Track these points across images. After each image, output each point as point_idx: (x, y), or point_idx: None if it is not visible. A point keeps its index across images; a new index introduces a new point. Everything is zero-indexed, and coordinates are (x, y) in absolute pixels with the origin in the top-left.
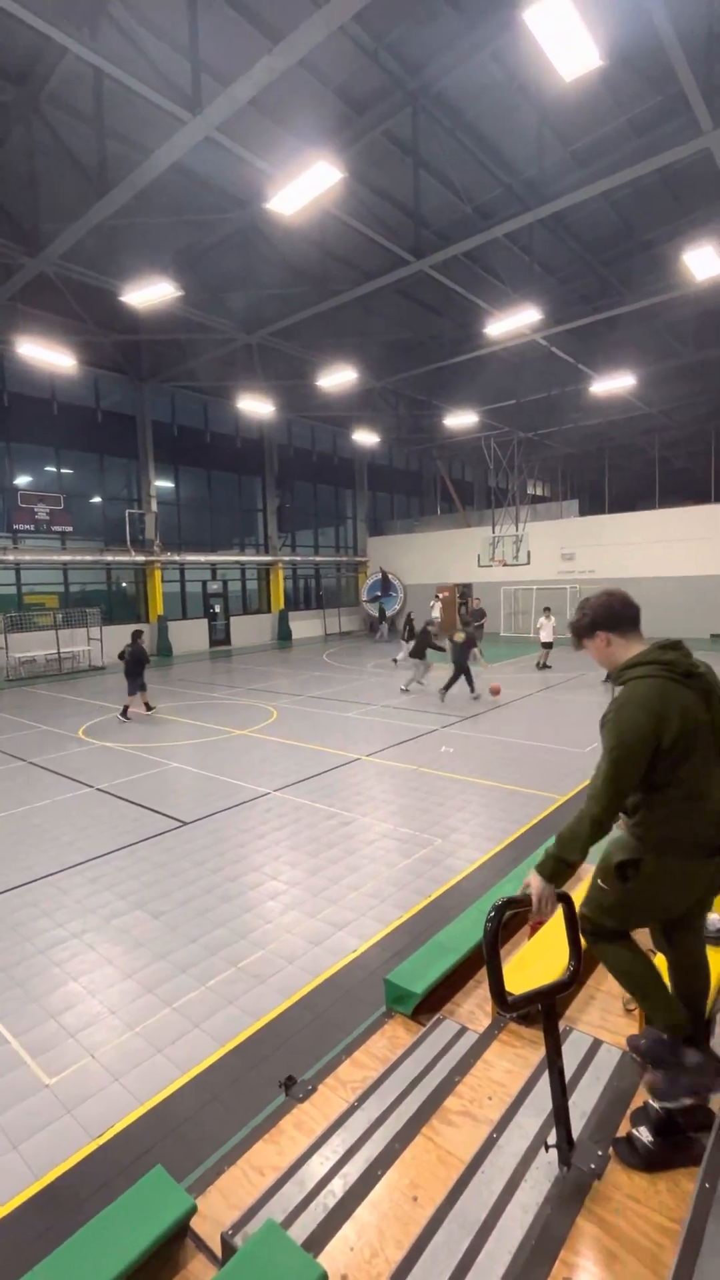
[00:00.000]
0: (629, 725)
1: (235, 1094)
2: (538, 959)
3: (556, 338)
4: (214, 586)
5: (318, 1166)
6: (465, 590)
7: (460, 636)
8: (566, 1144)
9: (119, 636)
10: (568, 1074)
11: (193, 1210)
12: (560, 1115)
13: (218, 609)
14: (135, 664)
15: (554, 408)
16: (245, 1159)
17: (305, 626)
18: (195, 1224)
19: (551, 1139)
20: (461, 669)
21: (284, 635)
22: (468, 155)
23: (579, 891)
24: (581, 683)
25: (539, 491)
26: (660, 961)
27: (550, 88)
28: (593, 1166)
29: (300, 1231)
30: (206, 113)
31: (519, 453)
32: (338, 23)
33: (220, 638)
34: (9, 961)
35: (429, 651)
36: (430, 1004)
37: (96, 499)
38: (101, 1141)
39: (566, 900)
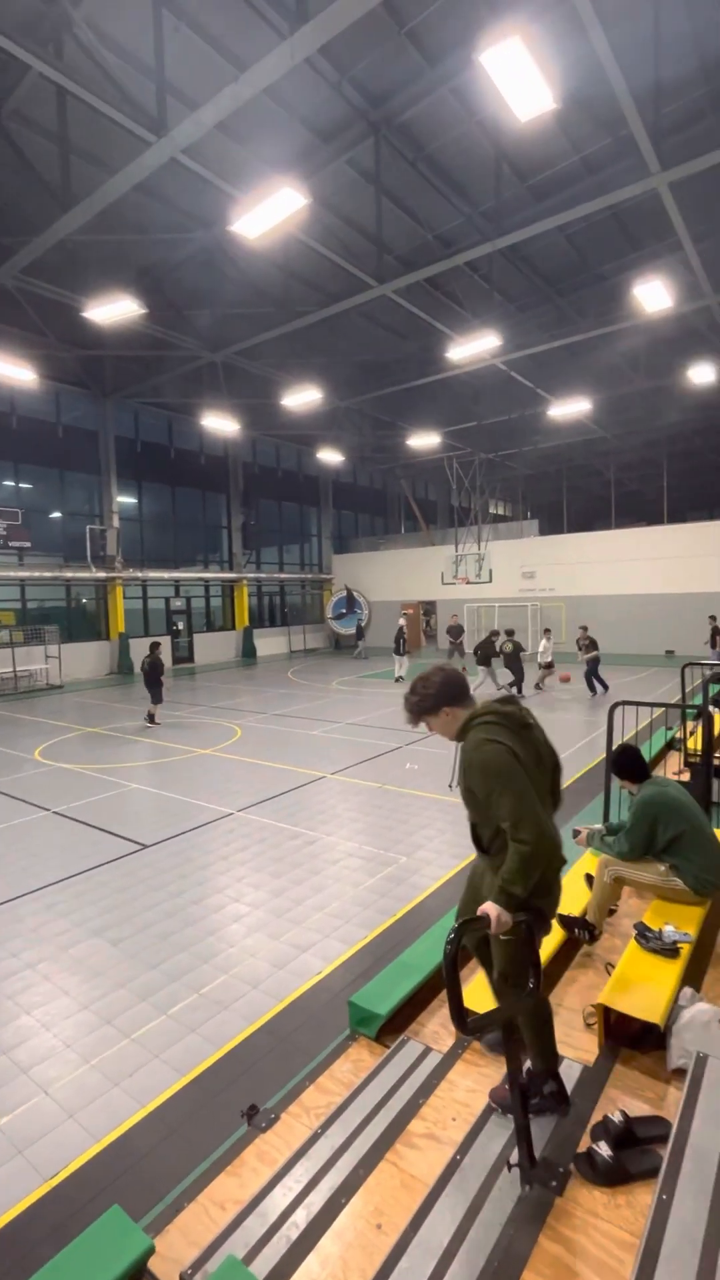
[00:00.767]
0: (493, 756)
1: (196, 1126)
2: None
3: (516, 363)
4: (177, 603)
5: (280, 1198)
6: (456, 612)
7: (509, 647)
8: (529, 1162)
9: (78, 654)
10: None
11: (150, 1251)
12: (522, 1134)
13: (181, 626)
14: (154, 673)
15: (514, 430)
16: (206, 1194)
17: (270, 644)
18: (153, 1265)
19: (514, 1158)
20: (519, 673)
21: (248, 652)
22: (428, 186)
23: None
24: (555, 701)
25: (500, 511)
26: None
27: (508, 125)
28: (554, 1184)
29: (263, 1266)
30: (172, 135)
31: (481, 473)
32: (302, 55)
33: (184, 655)
34: None
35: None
36: (395, 1025)
37: (56, 514)
38: (55, 1183)
39: (532, 919)
